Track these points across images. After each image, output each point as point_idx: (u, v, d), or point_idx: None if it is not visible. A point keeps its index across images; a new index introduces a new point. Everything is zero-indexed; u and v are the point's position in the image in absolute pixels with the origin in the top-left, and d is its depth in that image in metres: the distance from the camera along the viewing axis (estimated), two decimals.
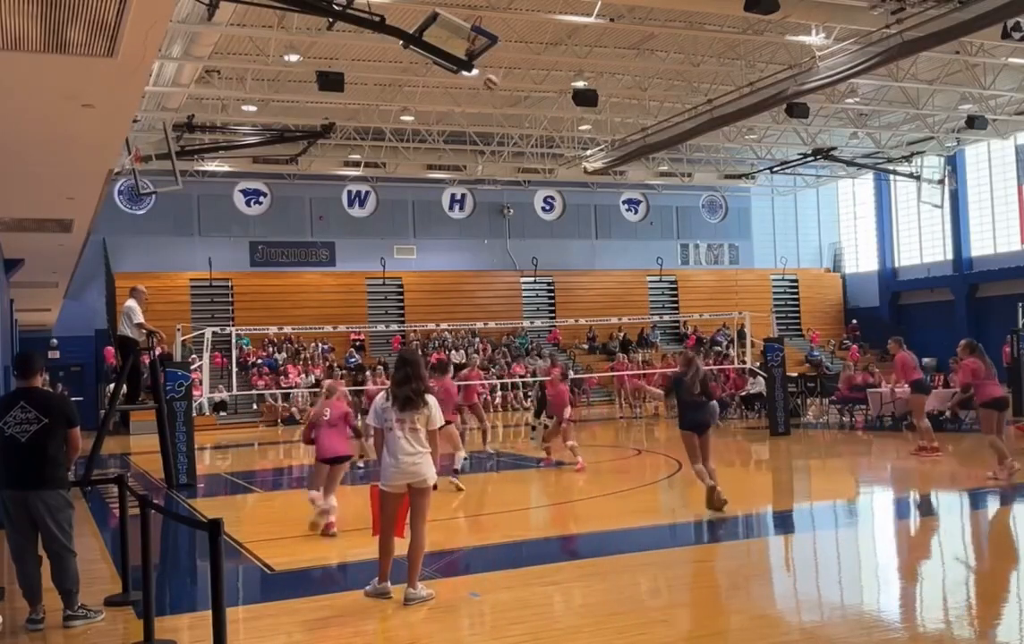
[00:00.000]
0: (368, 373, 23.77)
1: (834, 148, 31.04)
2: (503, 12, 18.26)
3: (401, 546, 7.17)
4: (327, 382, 11.28)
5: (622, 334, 34.88)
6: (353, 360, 31.46)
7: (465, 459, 14.38)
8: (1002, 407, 12.16)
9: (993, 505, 11.06)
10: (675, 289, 38.36)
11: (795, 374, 25.21)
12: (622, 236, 38.15)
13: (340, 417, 10.06)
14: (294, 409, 28.58)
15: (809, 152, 30.78)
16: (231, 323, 29.00)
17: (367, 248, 34.28)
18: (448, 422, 14.46)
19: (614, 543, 9.73)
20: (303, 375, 30.13)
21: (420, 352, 30.72)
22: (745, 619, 6.47)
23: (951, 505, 11.42)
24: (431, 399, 7.18)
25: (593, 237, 37.93)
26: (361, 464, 15.06)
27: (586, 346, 34.83)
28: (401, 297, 34.79)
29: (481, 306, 33.47)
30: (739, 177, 36.51)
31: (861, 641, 5.92)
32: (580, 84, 22.66)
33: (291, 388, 29.11)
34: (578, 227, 37.61)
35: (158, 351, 14.71)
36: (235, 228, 33.38)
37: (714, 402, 10.67)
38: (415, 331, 31.80)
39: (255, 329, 28.71)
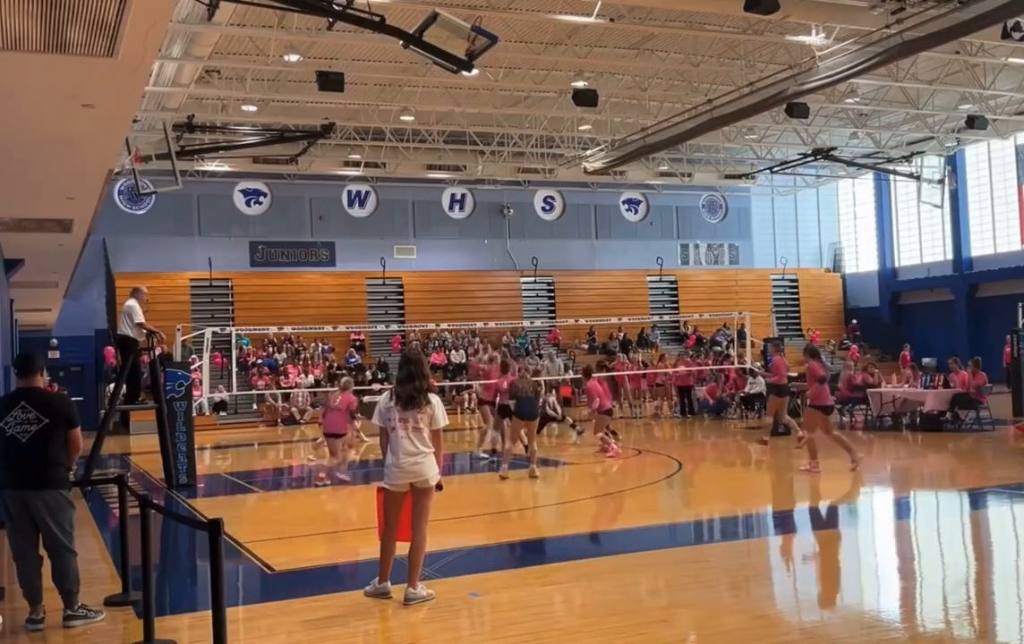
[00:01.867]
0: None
1: (834, 148, 31.03)
2: (503, 12, 18.25)
3: (402, 546, 7.17)
4: (344, 379, 15.92)
5: (622, 334, 34.87)
6: (353, 360, 31.47)
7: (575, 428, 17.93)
8: (828, 413, 14.17)
9: (994, 506, 11.07)
10: (675, 289, 38.35)
11: (795, 374, 25.17)
12: (622, 236, 38.15)
13: (345, 405, 14.12)
14: (294, 409, 28.54)
15: (809, 152, 30.78)
16: (231, 323, 28.98)
17: (367, 248, 34.27)
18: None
19: (614, 543, 9.74)
20: (303, 375, 30.12)
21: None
22: (745, 619, 6.47)
23: (951, 505, 11.42)
24: (435, 398, 7.18)
25: (593, 237, 37.92)
26: None
27: (586, 346, 34.82)
28: (401, 297, 34.78)
29: (481, 306, 33.47)
30: (739, 177, 36.50)
31: (861, 641, 5.92)
32: (580, 84, 22.66)
33: (291, 388, 29.10)
34: (578, 227, 37.61)
35: (158, 351, 14.70)
36: (235, 228, 33.37)
37: (540, 400, 15.63)
38: (415, 331, 31.79)
39: (255, 329, 28.71)
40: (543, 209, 37.29)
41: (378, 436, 7.40)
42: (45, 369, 7.23)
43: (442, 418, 7.19)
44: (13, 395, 6.95)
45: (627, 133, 27.92)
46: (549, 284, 36.84)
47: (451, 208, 36.03)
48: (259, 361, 30.59)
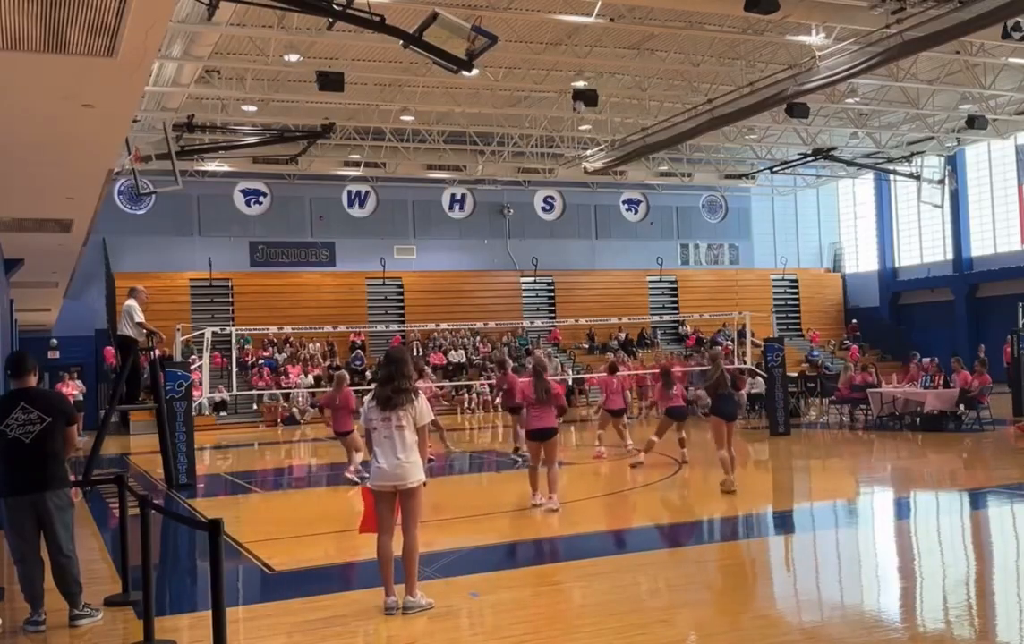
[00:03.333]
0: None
1: (834, 148, 31.02)
2: (503, 12, 18.25)
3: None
4: (338, 373, 15.19)
5: (623, 334, 34.86)
6: (360, 362, 31.42)
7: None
8: (679, 417, 15.10)
9: (994, 506, 11.07)
10: (675, 289, 38.33)
11: (795, 374, 25.19)
12: (622, 236, 38.14)
13: (344, 402, 14.08)
14: (294, 409, 28.55)
15: (809, 152, 30.77)
16: (231, 323, 28.97)
17: (367, 248, 34.27)
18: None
19: (614, 543, 9.74)
20: (303, 375, 30.11)
21: (420, 352, 30.85)
22: (745, 619, 6.47)
23: (951, 505, 11.42)
24: (418, 397, 7.01)
25: (593, 237, 37.91)
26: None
27: (586, 346, 34.82)
28: (401, 297, 34.77)
29: (481, 306, 33.46)
30: (739, 177, 36.49)
31: (861, 641, 5.92)
32: (580, 84, 22.66)
33: (291, 388, 29.09)
34: (578, 227, 37.60)
35: (158, 351, 14.70)
36: (235, 228, 33.36)
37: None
38: (415, 331, 31.78)
39: (255, 329, 28.71)
40: (543, 209, 37.28)
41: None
42: (38, 367, 7.17)
43: (427, 414, 7.01)
44: (9, 397, 6.86)
45: (627, 133, 27.91)
46: (549, 284, 36.84)
47: (451, 208, 36.02)
48: (260, 361, 30.58)
